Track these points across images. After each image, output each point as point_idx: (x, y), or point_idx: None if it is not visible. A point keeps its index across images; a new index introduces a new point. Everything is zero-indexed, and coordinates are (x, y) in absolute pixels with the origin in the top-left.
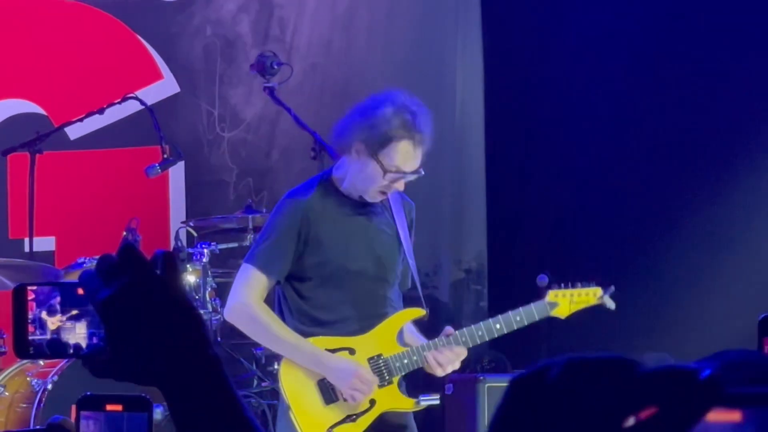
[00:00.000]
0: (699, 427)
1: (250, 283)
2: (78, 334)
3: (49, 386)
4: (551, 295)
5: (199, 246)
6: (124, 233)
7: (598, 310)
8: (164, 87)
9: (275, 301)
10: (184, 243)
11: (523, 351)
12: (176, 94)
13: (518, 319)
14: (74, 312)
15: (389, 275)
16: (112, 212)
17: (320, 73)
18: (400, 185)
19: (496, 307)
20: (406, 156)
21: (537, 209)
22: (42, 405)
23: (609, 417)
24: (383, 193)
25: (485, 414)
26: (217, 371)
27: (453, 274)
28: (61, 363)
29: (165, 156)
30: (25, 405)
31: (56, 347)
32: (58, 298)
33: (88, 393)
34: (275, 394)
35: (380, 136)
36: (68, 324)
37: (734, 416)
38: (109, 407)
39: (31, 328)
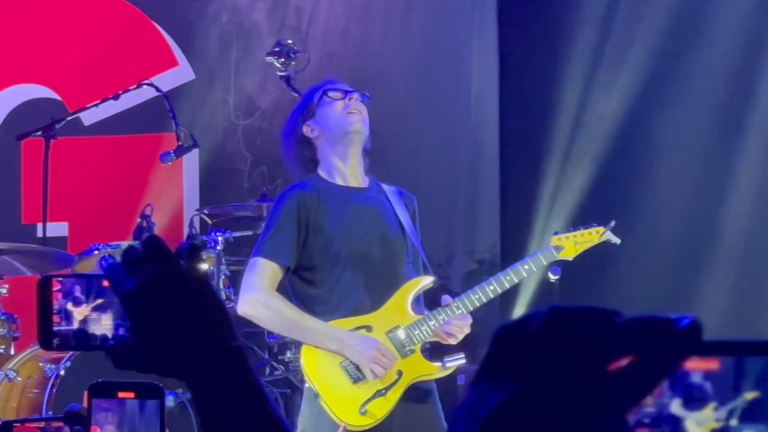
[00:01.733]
0: (677, 374)
1: (260, 274)
2: (104, 325)
3: (62, 372)
4: (555, 240)
5: (213, 233)
6: (139, 220)
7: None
8: (180, 74)
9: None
10: (198, 230)
11: None
12: (191, 81)
13: (527, 267)
14: (99, 302)
15: (397, 254)
16: (125, 199)
17: (336, 63)
18: (352, 101)
19: (508, 298)
20: (334, 83)
21: (551, 201)
22: (54, 391)
23: (589, 364)
24: (352, 113)
25: None
26: (241, 363)
27: (466, 265)
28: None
29: (180, 143)
30: (37, 390)
31: (82, 338)
32: (81, 288)
33: (100, 380)
34: (288, 382)
35: (309, 101)
36: (94, 315)
37: (711, 365)
38: (121, 395)
39: (56, 319)
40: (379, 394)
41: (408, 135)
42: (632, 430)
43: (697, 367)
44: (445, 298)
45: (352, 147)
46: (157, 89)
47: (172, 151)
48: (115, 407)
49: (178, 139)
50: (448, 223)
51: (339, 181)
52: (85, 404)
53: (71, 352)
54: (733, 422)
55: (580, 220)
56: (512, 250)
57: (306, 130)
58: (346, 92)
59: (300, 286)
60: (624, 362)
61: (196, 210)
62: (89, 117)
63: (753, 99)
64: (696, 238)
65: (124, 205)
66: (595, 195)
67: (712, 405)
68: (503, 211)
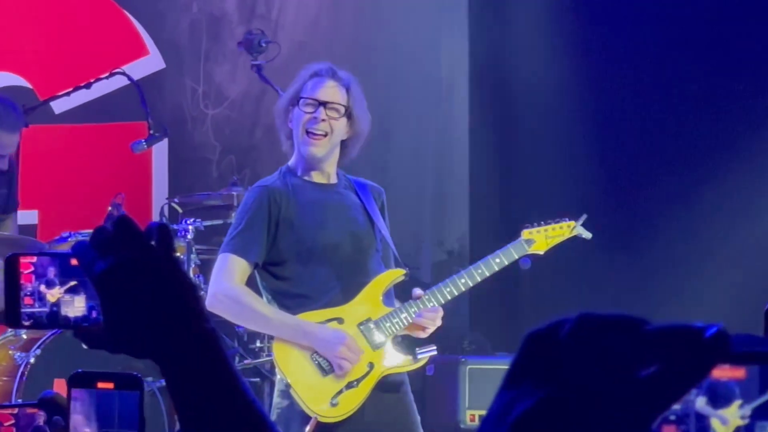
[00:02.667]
0: (705, 382)
1: (229, 269)
2: (77, 307)
3: (32, 360)
4: (526, 233)
5: (183, 222)
6: (109, 208)
7: (585, 296)
8: (150, 63)
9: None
10: (168, 219)
11: (504, 334)
12: (162, 70)
13: (498, 260)
14: (72, 284)
15: (367, 248)
16: (95, 187)
17: (306, 52)
18: (320, 114)
19: (478, 288)
20: (316, 87)
21: (520, 191)
22: (24, 378)
23: (617, 372)
24: (309, 133)
25: (466, 395)
26: (213, 344)
27: (435, 255)
28: (45, 336)
29: (151, 132)
30: (6, 378)
31: (54, 320)
32: (55, 270)
33: (80, 370)
34: (257, 371)
35: (296, 91)
36: (67, 297)
37: (739, 373)
38: (100, 385)
39: (29, 300)
40: (350, 386)
41: (377, 125)
42: None
43: (724, 375)
44: (416, 291)
45: (314, 162)
46: (129, 78)
47: (143, 140)
48: (94, 397)
49: (149, 128)
50: (417, 213)
51: (308, 177)
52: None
53: (41, 340)
54: (758, 420)
55: (548, 210)
56: (481, 240)
57: (287, 117)
58: (316, 109)
59: (270, 281)
60: (652, 370)
61: (167, 198)
62: (60, 105)
63: (727, 92)
64: (664, 234)
65: (94, 194)
66: (565, 186)
67: (738, 403)
68: (472, 201)
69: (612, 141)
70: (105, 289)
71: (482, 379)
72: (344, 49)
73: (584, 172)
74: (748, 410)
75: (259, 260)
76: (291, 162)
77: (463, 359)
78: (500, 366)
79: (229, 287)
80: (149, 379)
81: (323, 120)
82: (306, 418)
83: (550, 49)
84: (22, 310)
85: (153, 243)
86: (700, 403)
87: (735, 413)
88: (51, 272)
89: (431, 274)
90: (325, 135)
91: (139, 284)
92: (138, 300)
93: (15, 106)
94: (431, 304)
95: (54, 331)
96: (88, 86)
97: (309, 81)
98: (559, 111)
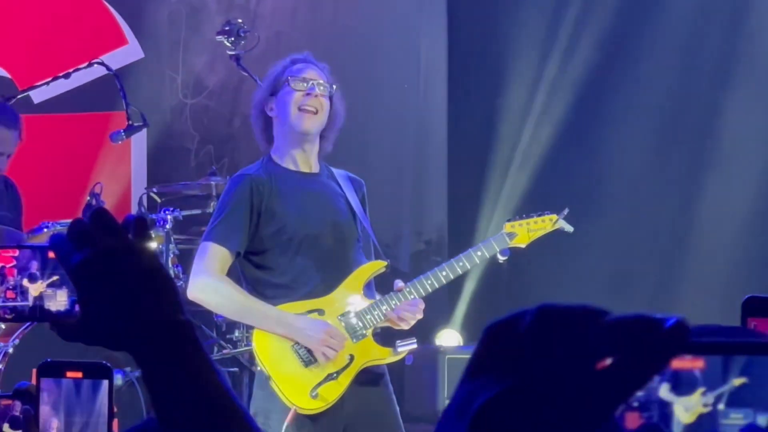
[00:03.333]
0: (664, 373)
1: (210, 258)
2: (59, 301)
3: (10, 350)
4: (508, 227)
5: (162, 212)
6: (88, 198)
7: (561, 287)
8: (129, 52)
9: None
10: (147, 209)
11: (480, 324)
12: (140, 59)
13: (479, 253)
14: (55, 279)
15: (348, 239)
16: (74, 177)
17: (284, 42)
18: (311, 99)
19: (456, 278)
20: (302, 70)
21: (498, 182)
22: (2, 368)
23: (577, 363)
24: (305, 109)
25: (445, 385)
26: (189, 336)
27: (413, 245)
28: (23, 327)
29: (130, 122)
30: None
31: (37, 314)
32: (37, 264)
33: (48, 360)
34: (236, 361)
35: (276, 76)
36: (49, 291)
37: (698, 364)
38: (69, 374)
39: (11, 294)
40: (330, 377)
41: (355, 116)
42: (621, 427)
43: (684, 366)
44: (397, 283)
45: (302, 142)
46: (108, 68)
47: (122, 130)
48: (63, 387)
49: (128, 119)
50: (395, 203)
51: (291, 166)
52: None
53: (20, 330)
54: (721, 407)
55: (528, 200)
56: (459, 230)
57: (267, 106)
58: (308, 85)
59: (251, 271)
60: (612, 360)
61: (145, 188)
62: (38, 95)
63: (701, 91)
64: (643, 228)
65: (73, 184)
66: (544, 177)
67: (701, 390)
68: (451, 191)
69: (593, 132)
70: (81, 280)
71: (460, 368)
72: (323, 38)
73: (564, 163)
74: (710, 398)
75: (241, 249)
76: (273, 152)
77: (441, 348)
78: None
79: (209, 276)
80: (128, 369)
81: (315, 96)
82: (285, 410)
83: (531, 36)
84: (3, 305)
85: (130, 235)
86: (664, 390)
87: (698, 401)
88: (33, 266)
89: (410, 263)
90: (316, 112)
91: (114, 276)
92: (114, 292)
93: (10, 107)
94: (412, 296)
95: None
96: (67, 76)
97: (291, 66)
98: (539, 100)
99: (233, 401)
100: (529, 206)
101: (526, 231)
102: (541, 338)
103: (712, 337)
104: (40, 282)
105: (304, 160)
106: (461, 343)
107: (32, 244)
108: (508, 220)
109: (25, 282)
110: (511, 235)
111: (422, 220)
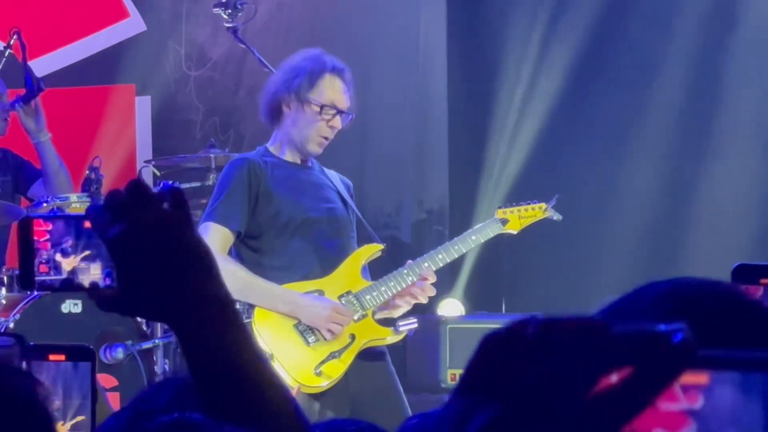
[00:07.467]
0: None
1: (211, 238)
2: (93, 275)
3: (11, 324)
4: (500, 213)
5: (161, 185)
6: (87, 172)
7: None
8: (131, 25)
9: None
10: (149, 182)
11: (481, 294)
12: (143, 32)
13: (474, 238)
14: (88, 253)
15: (344, 225)
16: (73, 151)
17: (287, 13)
18: (336, 122)
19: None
20: (335, 90)
21: (499, 151)
22: None
23: (582, 377)
24: (325, 138)
25: (447, 355)
26: (228, 309)
27: (415, 215)
28: (23, 302)
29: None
30: None
31: (70, 286)
32: (71, 241)
33: (31, 343)
34: None
35: (306, 78)
36: (83, 265)
37: (701, 378)
38: (52, 357)
39: (44, 268)
40: (332, 356)
41: (356, 86)
42: None
43: (688, 381)
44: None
45: (305, 153)
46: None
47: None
48: (46, 370)
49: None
50: (397, 173)
51: (287, 158)
52: None
53: (20, 305)
54: None
55: (529, 169)
56: (460, 200)
57: (285, 101)
58: (340, 121)
59: (248, 254)
60: (618, 376)
61: (145, 162)
62: (41, 68)
63: (693, 77)
64: (634, 214)
65: (72, 158)
66: (544, 146)
67: None
68: (451, 161)
69: (589, 110)
70: (118, 252)
71: (462, 338)
72: (324, 9)
73: (567, 135)
74: None
75: (242, 229)
76: (270, 143)
77: (443, 318)
78: (479, 325)
79: None
80: (129, 342)
81: (338, 124)
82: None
83: (532, 13)
84: (37, 278)
85: (165, 205)
86: None
87: None
88: (67, 241)
89: (411, 233)
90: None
91: (150, 249)
92: (150, 265)
93: None
94: (410, 279)
95: (33, 296)
96: (68, 50)
97: (326, 77)
98: (540, 71)
99: (271, 373)
100: (530, 177)
101: (518, 218)
102: (542, 352)
103: (702, 303)
104: (73, 257)
105: (301, 157)
106: (463, 313)
107: (69, 214)
108: (500, 207)
109: (59, 257)
110: (503, 221)
111: (424, 190)
